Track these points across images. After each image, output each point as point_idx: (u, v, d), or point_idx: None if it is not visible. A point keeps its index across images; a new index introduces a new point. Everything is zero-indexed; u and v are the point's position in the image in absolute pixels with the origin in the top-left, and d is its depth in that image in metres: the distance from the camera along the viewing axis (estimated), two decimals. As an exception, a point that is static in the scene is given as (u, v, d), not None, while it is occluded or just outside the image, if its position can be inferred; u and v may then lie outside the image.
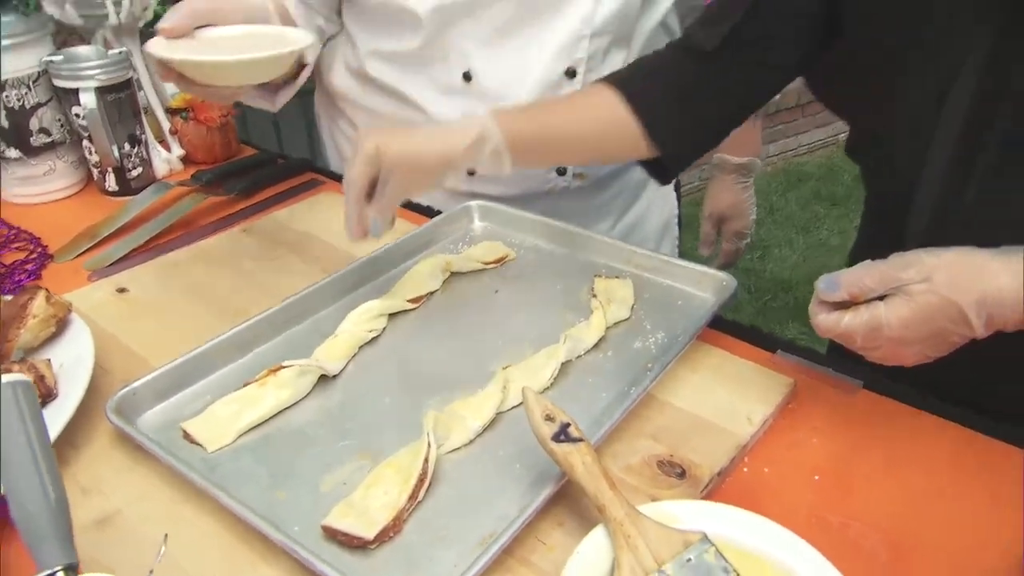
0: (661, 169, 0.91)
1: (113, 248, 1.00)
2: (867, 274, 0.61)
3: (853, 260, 0.91)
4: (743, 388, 0.73)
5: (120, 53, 1.08)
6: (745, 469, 0.65)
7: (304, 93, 1.10)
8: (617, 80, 0.86)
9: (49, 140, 1.09)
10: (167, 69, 0.79)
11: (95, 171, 1.12)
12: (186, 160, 1.25)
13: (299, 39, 0.84)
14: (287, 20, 1.01)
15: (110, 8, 1.08)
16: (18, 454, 0.45)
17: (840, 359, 0.76)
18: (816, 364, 0.75)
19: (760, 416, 0.69)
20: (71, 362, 0.70)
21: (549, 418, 0.59)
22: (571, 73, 1.01)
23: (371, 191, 0.76)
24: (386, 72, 1.07)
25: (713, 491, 0.62)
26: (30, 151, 1.08)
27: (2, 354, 0.68)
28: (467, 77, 1.02)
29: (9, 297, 0.74)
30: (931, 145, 0.71)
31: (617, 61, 1.03)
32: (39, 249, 0.99)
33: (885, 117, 0.77)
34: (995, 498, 0.61)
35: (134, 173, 1.12)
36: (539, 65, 1.01)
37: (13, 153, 1.07)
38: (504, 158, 0.80)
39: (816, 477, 0.64)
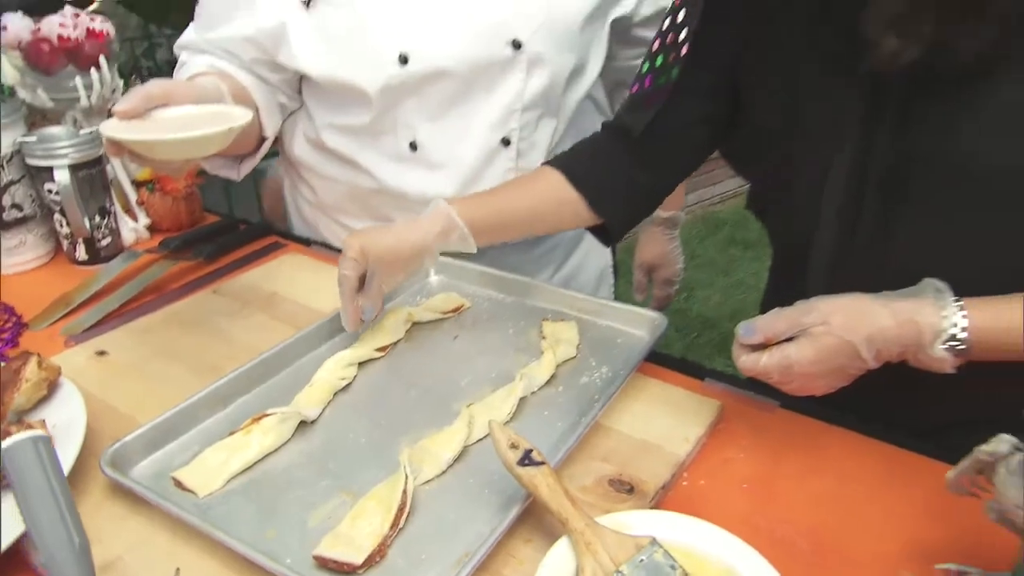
0: (606, 234, 0.97)
1: (88, 314, 0.98)
2: (777, 320, 0.67)
3: (766, 302, 0.98)
4: (678, 412, 0.77)
5: (91, 132, 1.08)
6: (685, 482, 0.70)
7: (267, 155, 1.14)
8: (560, 163, 0.93)
9: (21, 215, 1.08)
10: (117, 147, 0.80)
11: (65, 242, 1.11)
12: (152, 229, 1.24)
13: (238, 116, 0.86)
14: (243, 98, 1.03)
15: (81, 91, 1.09)
16: (44, 504, 0.46)
17: (760, 383, 0.79)
18: (739, 388, 0.81)
19: (695, 436, 0.73)
20: (63, 422, 0.70)
21: (514, 446, 0.63)
22: (506, 142, 1.06)
23: (360, 285, 0.84)
24: (341, 143, 1.09)
25: (659, 502, 0.66)
26: (2, 226, 1.07)
27: None
28: (413, 147, 1.05)
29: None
30: (821, 212, 0.77)
31: (547, 130, 1.09)
32: (14, 318, 0.98)
33: (782, 187, 0.84)
34: (893, 495, 0.67)
35: (103, 243, 1.12)
36: (478, 136, 1.05)
37: None
38: (469, 241, 0.88)
39: (744, 485, 0.69)
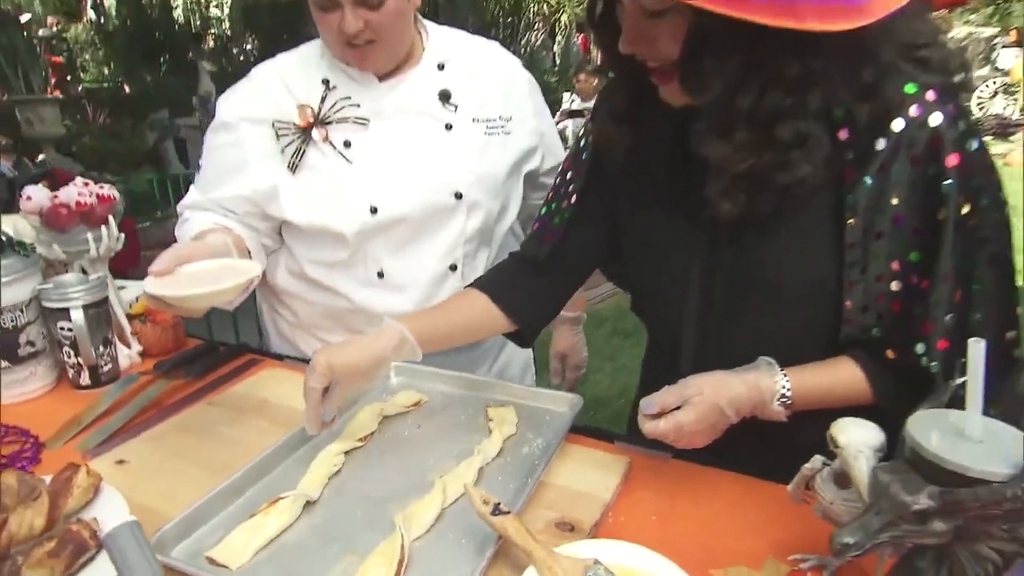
0: (520, 338, 1.05)
1: (99, 431, 0.98)
2: (668, 395, 0.76)
3: (643, 381, 1.09)
4: (599, 468, 0.86)
5: (98, 278, 1.13)
6: (610, 519, 0.79)
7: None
8: (482, 285, 1.01)
9: (33, 350, 1.09)
10: (157, 300, 0.84)
11: (71, 371, 1.11)
12: (143, 354, 1.25)
13: (250, 268, 0.92)
14: (241, 246, 1.10)
15: (91, 245, 1.13)
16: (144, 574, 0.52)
17: (655, 442, 0.84)
18: (640, 446, 0.89)
19: (613, 484, 0.83)
20: (109, 519, 0.72)
21: (486, 501, 0.71)
22: (453, 267, 1.17)
23: (324, 394, 0.85)
24: (322, 273, 1.17)
25: (594, 535, 0.75)
26: (16, 360, 1.07)
27: (54, 519, 0.70)
28: (380, 275, 1.15)
29: (48, 477, 0.77)
30: (683, 315, 0.89)
31: (483, 257, 1.21)
32: (32, 439, 0.97)
33: (650, 296, 0.98)
34: (758, 511, 0.78)
35: (105, 369, 1.13)
36: (431, 264, 1.16)
37: (2, 364, 1.06)
38: (417, 352, 0.91)
39: (653, 517, 0.78)
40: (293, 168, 1.11)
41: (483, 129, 1.17)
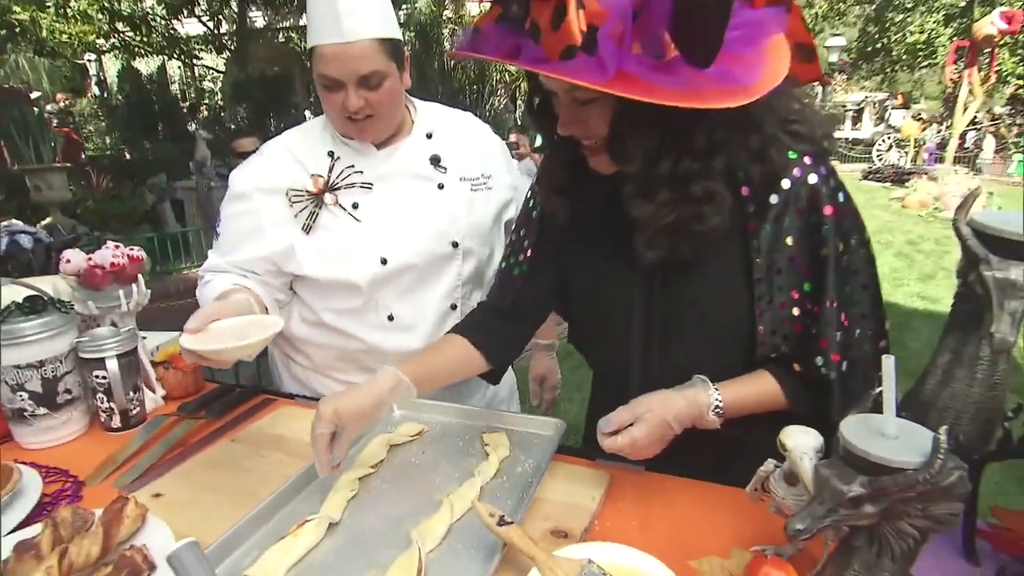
0: (492, 376, 1.08)
1: (133, 468, 0.99)
2: (623, 414, 0.80)
3: (592, 404, 1.13)
4: (584, 482, 0.90)
5: (129, 330, 1.14)
6: (597, 525, 0.82)
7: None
8: (462, 330, 1.04)
9: (70, 398, 1.09)
10: (193, 355, 0.86)
11: (103, 414, 1.11)
12: (166, 398, 1.25)
13: (274, 323, 0.94)
14: (260, 302, 1.11)
15: (123, 301, 1.15)
16: None
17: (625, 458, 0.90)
18: (618, 462, 0.90)
19: (598, 495, 0.87)
20: (156, 545, 0.74)
21: (492, 514, 0.74)
22: (454, 307, 1.22)
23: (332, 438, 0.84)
24: (337, 320, 1.19)
25: (584, 539, 0.79)
26: (55, 407, 1.07)
27: (108, 547, 0.71)
28: (391, 318, 1.18)
29: (99, 510, 0.77)
30: (630, 348, 0.92)
31: (477, 296, 1.25)
32: (71, 478, 0.97)
33: (596, 330, 1.00)
34: (722, 511, 0.83)
35: (134, 412, 1.13)
36: (434, 305, 1.20)
37: (41, 411, 1.05)
38: (412, 392, 0.92)
39: (634, 522, 0.82)
40: (307, 230, 1.15)
41: (469, 186, 1.24)
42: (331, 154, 1.19)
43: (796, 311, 0.83)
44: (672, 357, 0.91)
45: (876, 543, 0.54)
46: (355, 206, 1.17)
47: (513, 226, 1.09)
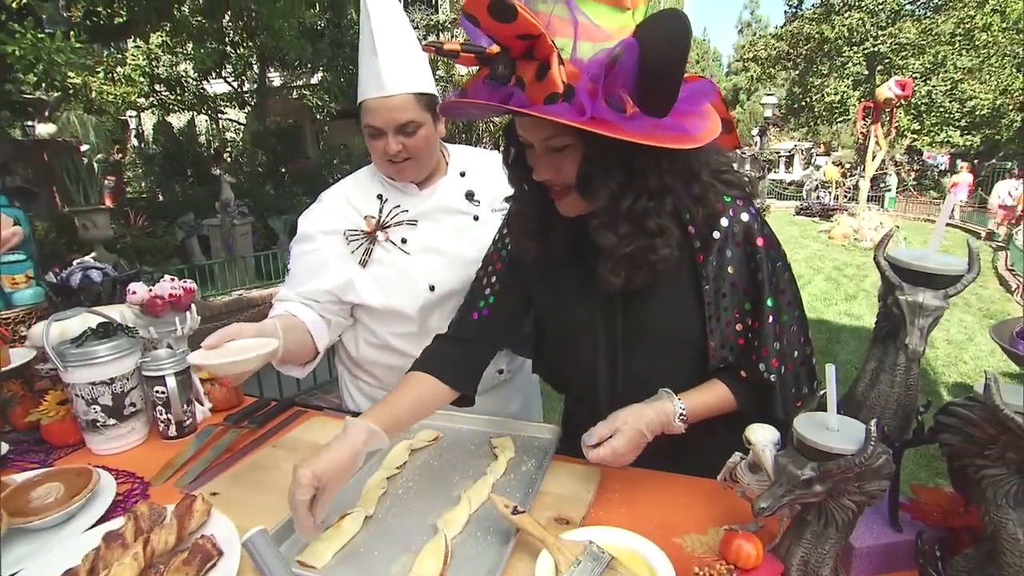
0: (465, 400, 1.00)
1: (190, 471, 0.99)
2: (603, 428, 0.81)
3: (565, 419, 1.10)
4: (580, 478, 0.91)
5: (182, 351, 1.15)
6: (593, 513, 0.84)
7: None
8: (420, 366, 0.96)
9: (135, 410, 1.09)
10: (199, 368, 0.90)
11: (161, 424, 1.11)
12: (212, 410, 1.25)
13: (268, 344, 0.92)
14: (291, 325, 1.08)
15: (178, 326, 1.16)
16: (280, 566, 0.56)
17: None
18: None
19: (592, 488, 0.89)
20: (223, 537, 0.75)
21: (506, 505, 0.77)
22: None
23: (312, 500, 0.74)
24: (398, 342, 1.20)
25: (583, 525, 0.80)
26: (122, 419, 1.07)
27: (182, 536, 0.72)
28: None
29: (171, 506, 0.78)
30: (596, 368, 0.93)
31: None
32: (139, 480, 0.97)
33: (570, 355, 0.98)
34: (696, 497, 0.85)
35: (187, 423, 1.13)
36: None
37: (111, 422, 1.05)
38: (385, 440, 0.82)
39: (623, 509, 0.84)
40: (364, 264, 1.18)
41: (499, 217, 1.14)
42: (380, 197, 1.21)
43: (739, 327, 0.87)
44: (634, 372, 0.92)
45: (823, 516, 0.58)
46: (404, 241, 1.19)
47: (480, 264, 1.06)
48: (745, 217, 0.85)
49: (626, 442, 0.80)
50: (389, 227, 1.20)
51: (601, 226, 0.81)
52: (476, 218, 1.23)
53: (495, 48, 0.69)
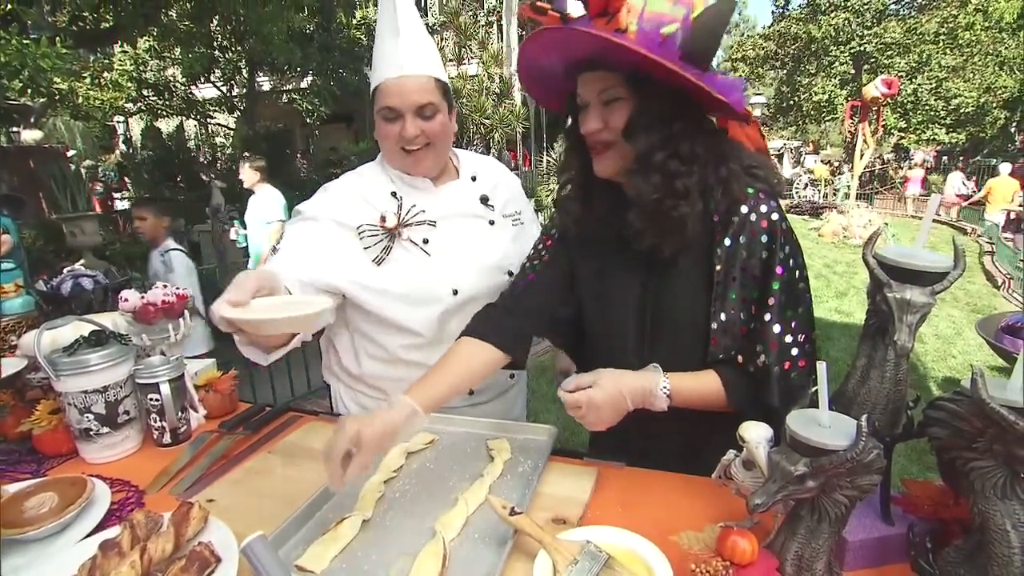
0: (515, 364, 1.04)
1: (185, 479, 0.98)
2: (583, 376, 0.86)
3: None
4: (576, 478, 0.92)
5: (177, 358, 1.15)
6: (589, 513, 0.84)
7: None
8: (475, 331, 1.00)
9: (129, 418, 1.08)
10: (229, 323, 0.72)
11: (156, 432, 1.10)
12: (207, 416, 1.24)
13: (321, 303, 0.79)
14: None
15: (171, 333, 1.15)
16: (279, 569, 0.57)
17: (612, 456, 0.96)
18: (604, 460, 0.95)
19: (588, 488, 0.89)
20: (221, 542, 0.74)
21: (504, 506, 0.77)
22: None
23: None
24: (409, 353, 1.15)
25: (581, 525, 0.81)
26: (116, 427, 1.06)
27: (179, 544, 0.71)
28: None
29: (168, 514, 0.78)
30: (627, 339, 0.96)
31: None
32: (133, 488, 0.96)
33: (603, 324, 1.02)
34: (690, 494, 0.86)
35: (181, 430, 1.12)
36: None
37: (105, 430, 1.05)
38: (423, 421, 0.85)
39: (619, 508, 0.85)
40: (379, 262, 1.10)
41: (511, 222, 1.24)
42: (394, 194, 1.16)
43: (743, 315, 0.90)
44: (658, 349, 0.95)
45: (816, 511, 0.59)
46: (425, 241, 1.14)
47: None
48: (764, 208, 0.89)
49: (604, 396, 0.83)
50: (410, 225, 1.14)
51: (635, 173, 0.88)
52: (491, 223, 1.21)
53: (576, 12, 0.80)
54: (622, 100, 0.87)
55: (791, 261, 0.89)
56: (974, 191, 10.83)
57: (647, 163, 0.87)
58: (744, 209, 0.88)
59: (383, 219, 1.12)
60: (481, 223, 1.20)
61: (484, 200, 1.22)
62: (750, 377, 0.89)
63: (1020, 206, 9.17)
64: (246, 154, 4.50)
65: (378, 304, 1.12)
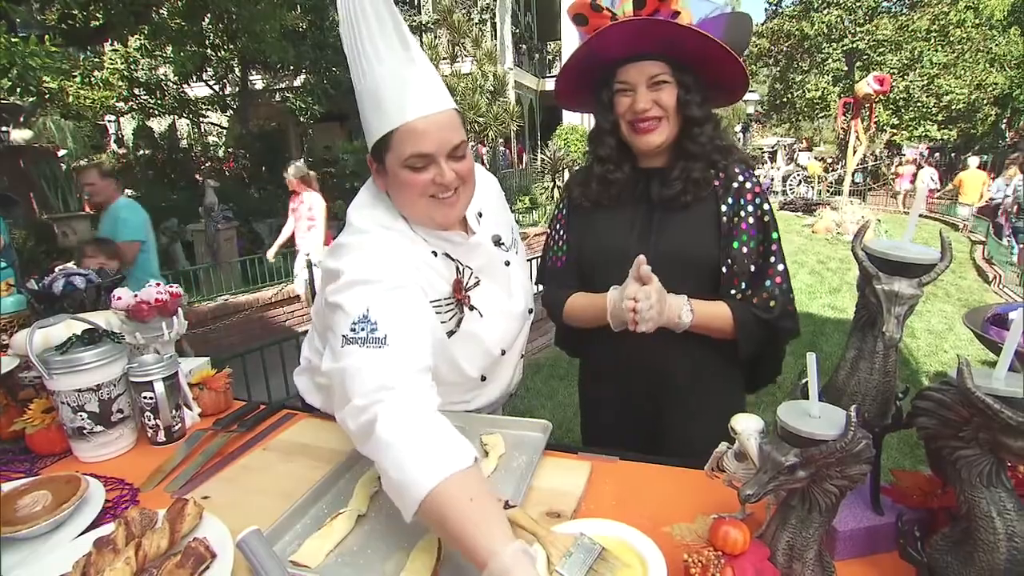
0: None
1: (180, 476, 0.98)
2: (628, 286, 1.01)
3: (583, 392, 1.34)
4: (570, 472, 0.92)
5: (170, 356, 1.15)
6: (583, 506, 0.85)
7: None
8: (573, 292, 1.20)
9: (122, 416, 1.08)
10: None
11: (150, 430, 1.10)
12: (201, 414, 1.24)
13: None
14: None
15: (164, 331, 1.16)
16: (274, 564, 0.57)
17: (607, 449, 0.98)
18: (597, 453, 0.96)
19: (582, 482, 0.89)
20: (214, 537, 0.74)
21: (498, 500, 0.75)
22: (522, 356, 1.21)
23: None
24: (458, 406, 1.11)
25: (574, 518, 0.81)
26: (109, 425, 1.06)
27: (174, 540, 0.71)
28: (483, 378, 1.09)
29: (162, 510, 0.78)
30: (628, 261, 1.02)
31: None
32: (128, 486, 0.96)
33: (607, 275, 1.11)
34: (682, 486, 0.87)
35: (176, 428, 1.12)
36: (513, 360, 1.16)
37: (98, 429, 1.04)
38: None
39: (613, 502, 0.85)
40: (451, 334, 1.00)
41: (515, 251, 1.14)
42: (434, 253, 0.98)
43: (747, 257, 1.09)
44: (665, 287, 1.05)
45: (807, 501, 0.60)
46: (478, 302, 1.04)
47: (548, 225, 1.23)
48: (752, 179, 1.12)
49: (650, 289, 0.98)
50: (470, 289, 1.02)
51: (687, 137, 1.10)
52: (507, 264, 1.10)
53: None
54: (668, 84, 1.06)
55: (774, 227, 1.11)
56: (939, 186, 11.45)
57: (699, 130, 1.09)
58: (740, 177, 1.11)
59: (456, 287, 0.99)
60: (503, 267, 1.08)
61: (497, 241, 1.08)
62: (753, 310, 1.08)
63: (991, 198, 9.42)
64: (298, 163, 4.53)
65: (441, 372, 0.97)
